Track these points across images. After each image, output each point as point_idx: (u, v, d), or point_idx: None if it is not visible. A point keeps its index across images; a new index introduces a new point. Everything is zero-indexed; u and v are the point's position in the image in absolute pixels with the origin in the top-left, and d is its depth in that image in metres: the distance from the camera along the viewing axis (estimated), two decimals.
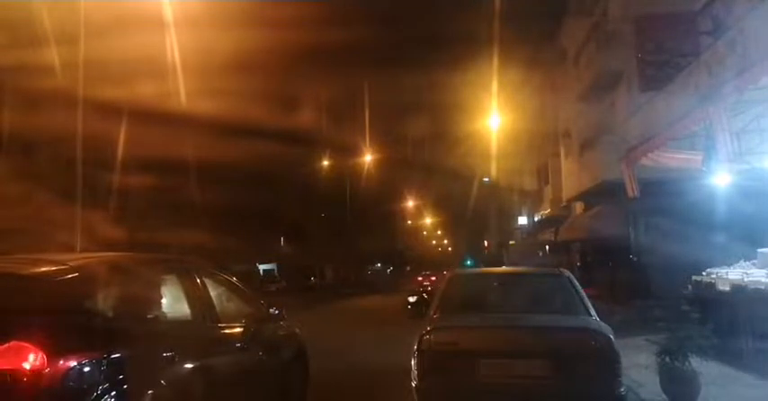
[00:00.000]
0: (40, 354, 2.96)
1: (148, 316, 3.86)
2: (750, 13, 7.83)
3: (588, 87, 19.80)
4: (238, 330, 4.89)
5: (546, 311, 5.72)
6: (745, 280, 8.30)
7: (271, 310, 5.76)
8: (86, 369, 3.13)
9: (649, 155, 10.37)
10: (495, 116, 25.59)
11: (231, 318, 4.87)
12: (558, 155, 25.71)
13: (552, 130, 26.41)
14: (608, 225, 16.93)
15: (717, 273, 9.28)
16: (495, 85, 23.03)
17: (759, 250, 9.00)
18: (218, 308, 4.69)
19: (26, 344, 2.97)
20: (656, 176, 11.93)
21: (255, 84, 20.52)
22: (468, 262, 38.72)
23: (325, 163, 38.38)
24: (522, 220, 35.60)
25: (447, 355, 4.97)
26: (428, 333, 5.18)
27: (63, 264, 3.66)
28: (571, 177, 23.11)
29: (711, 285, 9.23)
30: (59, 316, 3.22)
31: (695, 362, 5.70)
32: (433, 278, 32.55)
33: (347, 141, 36.50)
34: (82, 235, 13.13)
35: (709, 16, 12.46)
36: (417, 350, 5.12)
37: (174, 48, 15.27)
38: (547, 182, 28.40)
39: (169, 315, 4.16)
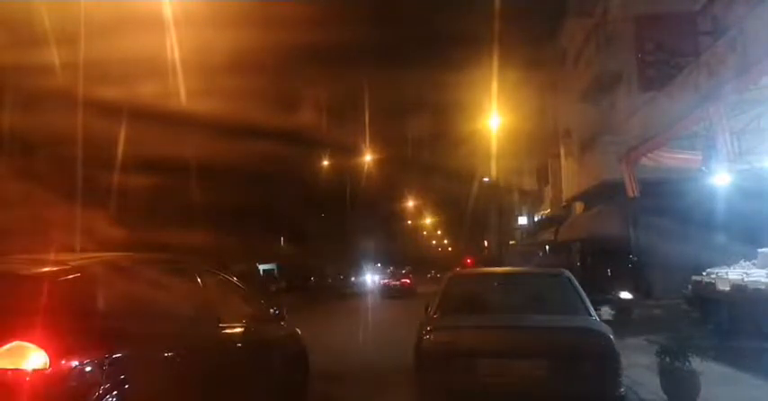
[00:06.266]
0: (43, 354, 2.96)
1: (149, 317, 3.86)
2: (750, 13, 7.83)
3: (588, 87, 19.82)
4: (239, 330, 4.90)
5: (546, 311, 5.73)
6: (745, 280, 8.31)
7: (271, 310, 5.77)
8: (88, 369, 3.14)
9: (649, 155, 10.39)
10: (495, 116, 25.61)
11: (232, 318, 4.88)
12: (558, 155, 25.72)
13: (552, 130, 26.42)
14: (608, 225, 16.94)
15: (717, 273, 9.30)
16: (495, 86, 23.04)
17: (759, 250, 9.01)
18: (218, 308, 4.70)
19: (29, 344, 2.98)
20: (656, 176, 11.94)
21: (256, 84, 20.50)
22: None
23: (326, 163, 38.39)
24: (522, 220, 35.61)
25: (447, 355, 4.97)
26: (428, 332, 5.19)
27: (64, 264, 3.66)
28: (571, 177, 23.12)
29: (711, 285, 9.24)
30: (61, 316, 3.22)
31: (695, 362, 5.70)
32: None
33: (347, 141, 36.48)
34: (82, 235, 13.12)
35: (709, 16, 12.46)
36: (417, 349, 5.13)
37: (174, 48, 15.26)
38: (547, 182, 28.41)
39: (170, 315, 4.16)
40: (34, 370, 2.94)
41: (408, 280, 34.85)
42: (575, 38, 22.30)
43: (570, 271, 6.40)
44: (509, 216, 37.58)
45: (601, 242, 18.19)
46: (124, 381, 3.28)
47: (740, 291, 8.25)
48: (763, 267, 8.53)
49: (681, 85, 10.05)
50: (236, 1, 16.35)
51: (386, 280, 35.87)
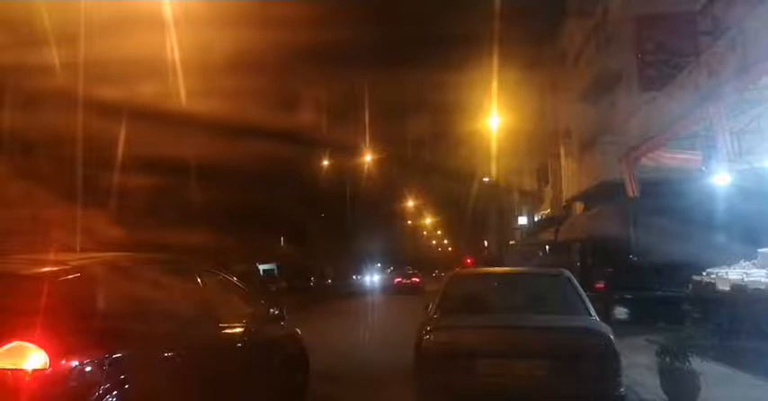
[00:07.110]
0: (43, 354, 2.96)
1: (149, 317, 3.86)
2: (750, 13, 7.83)
3: (588, 87, 19.81)
4: (239, 330, 4.90)
5: (546, 311, 5.72)
6: (745, 280, 8.30)
7: (271, 310, 5.77)
8: (88, 369, 3.14)
9: (649, 155, 10.40)
10: (495, 116, 25.64)
11: (232, 318, 4.88)
12: (558, 155, 25.72)
13: (552, 130, 26.43)
14: (608, 225, 16.90)
15: (717, 273, 9.29)
16: (495, 85, 23.08)
17: (759, 250, 9.01)
18: (218, 308, 4.70)
19: (29, 344, 2.98)
20: (656, 176, 11.93)
21: (256, 84, 20.53)
22: None
23: (326, 163, 38.44)
24: (522, 220, 35.61)
25: (447, 355, 4.97)
26: (428, 332, 5.19)
27: (64, 264, 3.67)
28: (571, 177, 23.13)
29: (711, 285, 9.23)
30: (61, 316, 3.22)
31: (695, 362, 5.70)
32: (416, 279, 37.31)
33: (348, 141, 36.57)
34: (82, 235, 13.12)
35: (709, 16, 12.43)
36: (417, 349, 5.13)
37: (174, 48, 15.27)
38: (547, 183, 28.41)
39: (169, 315, 4.16)
40: (34, 370, 2.94)
41: (418, 279, 38.18)
42: (575, 38, 22.29)
43: (570, 271, 6.40)
44: (509, 216, 37.61)
45: (601, 242, 18.17)
46: (124, 381, 3.28)
47: (740, 291, 8.25)
48: (763, 267, 8.52)
49: (681, 85, 10.05)
50: (236, 1, 16.35)
51: (398, 279, 39.04)
